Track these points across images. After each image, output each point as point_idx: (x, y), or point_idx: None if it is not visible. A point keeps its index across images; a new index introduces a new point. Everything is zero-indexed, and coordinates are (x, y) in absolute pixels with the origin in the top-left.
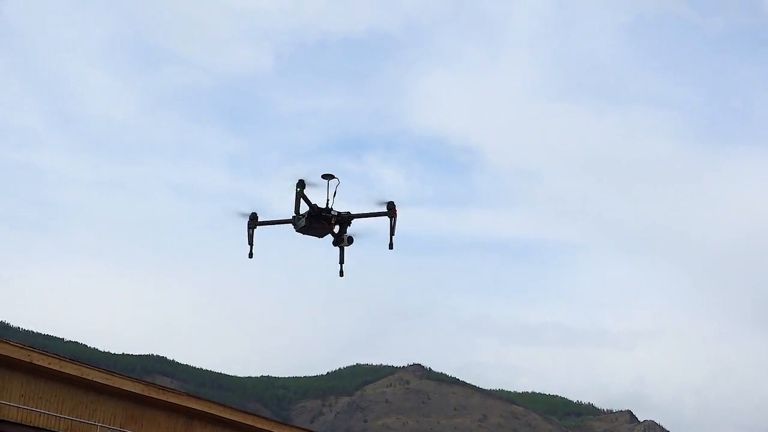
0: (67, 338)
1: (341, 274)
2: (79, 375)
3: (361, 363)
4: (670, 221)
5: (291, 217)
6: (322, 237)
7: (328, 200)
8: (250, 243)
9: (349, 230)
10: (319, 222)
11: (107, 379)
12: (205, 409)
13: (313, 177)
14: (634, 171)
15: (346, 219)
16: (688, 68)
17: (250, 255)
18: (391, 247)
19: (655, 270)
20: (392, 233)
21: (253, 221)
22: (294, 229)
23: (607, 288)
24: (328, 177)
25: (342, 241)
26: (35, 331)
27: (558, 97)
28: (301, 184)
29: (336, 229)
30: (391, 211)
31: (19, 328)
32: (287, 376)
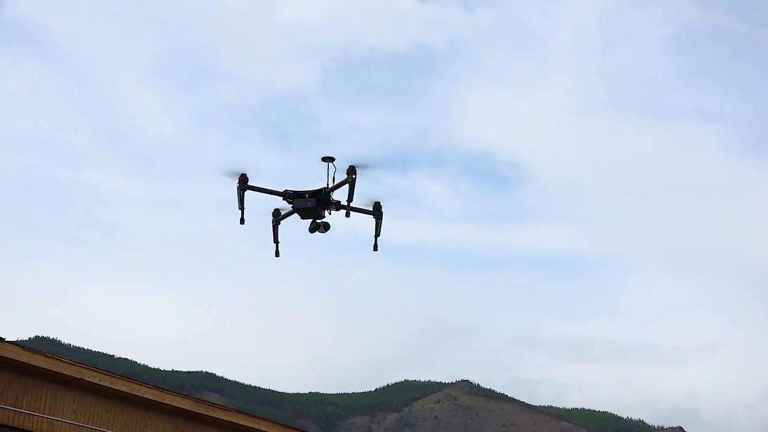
0: (118, 355)
1: (376, 248)
2: (130, 391)
3: (410, 379)
4: (720, 235)
5: (290, 191)
6: (306, 219)
7: (327, 184)
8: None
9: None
10: (323, 206)
11: (157, 395)
12: (255, 426)
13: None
14: (682, 185)
15: (341, 208)
16: (735, 81)
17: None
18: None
19: (706, 285)
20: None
21: (243, 183)
22: (291, 206)
23: (657, 303)
24: (328, 159)
25: (319, 227)
26: (87, 348)
27: (604, 112)
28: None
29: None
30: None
31: (70, 345)
32: (336, 392)
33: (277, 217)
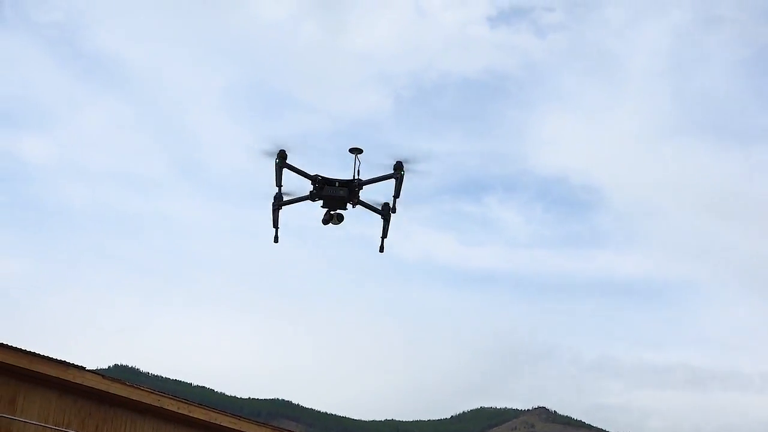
0: (195, 383)
1: (382, 249)
2: (208, 419)
3: (485, 406)
4: None
5: (319, 177)
6: (331, 208)
7: (353, 176)
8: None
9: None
10: (350, 197)
11: (235, 423)
12: None
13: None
14: (759, 207)
15: (361, 203)
16: None
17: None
18: (393, 210)
19: None
20: (397, 195)
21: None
22: (311, 191)
23: (737, 328)
24: (355, 151)
25: (333, 218)
26: (165, 377)
27: (679, 134)
28: (282, 155)
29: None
30: (398, 171)
31: (149, 373)
32: (411, 419)
33: (279, 201)
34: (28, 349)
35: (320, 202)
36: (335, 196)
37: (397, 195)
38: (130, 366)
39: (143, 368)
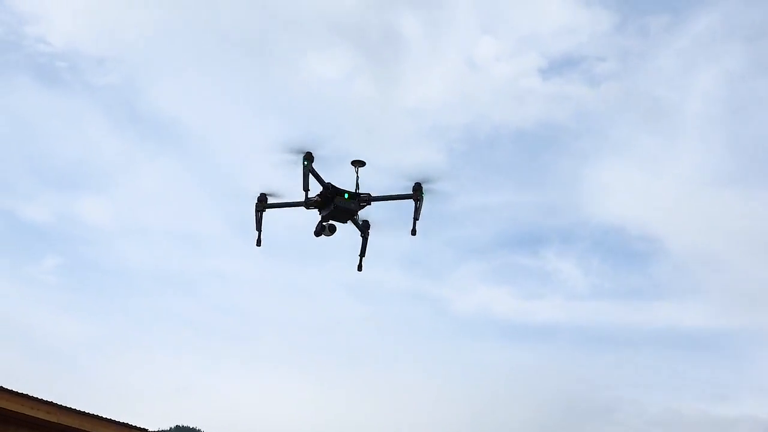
0: None
1: (360, 268)
2: None
3: None
4: None
5: (330, 185)
6: (339, 221)
7: (356, 189)
8: (258, 228)
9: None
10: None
11: None
12: None
13: None
14: None
15: (354, 219)
16: None
17: (258, 242)
18: (413, 233)
19: None
20: (416, 218)
21: (262, 203)
22: (328, 204)
23: None
24: (357, 164)
25: (325, 229)
26: None
27: (735, 181)
28: (309, 157)
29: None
30: (417, 192)
31: None
32: None
33: (264, 204)
34: (91, 412)
35: (311, 208)
36: (347, 208)
37: (417, 218)
38: (191, 426)
39: (204, 428)
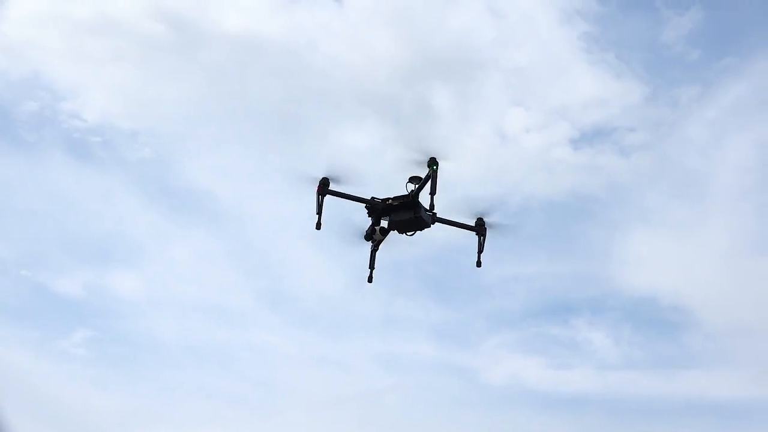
0: None
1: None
2: None
3: None
4: None
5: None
6: (410, 233)
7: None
8: (319, 212)
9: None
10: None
11: None
12: None
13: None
14: None
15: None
16: None
17: (318, 226)
18: (479, 265)
19: None
20: (480, 251)
21: (325, 187)
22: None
23: None
24: (415, 180)
25: (376, 232)
26: None
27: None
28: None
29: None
30: (480, 227)
31: None
32: None
33: (326, 186)
34: None
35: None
36: (420, 218)
37: (481, 250)
38: None
39: None
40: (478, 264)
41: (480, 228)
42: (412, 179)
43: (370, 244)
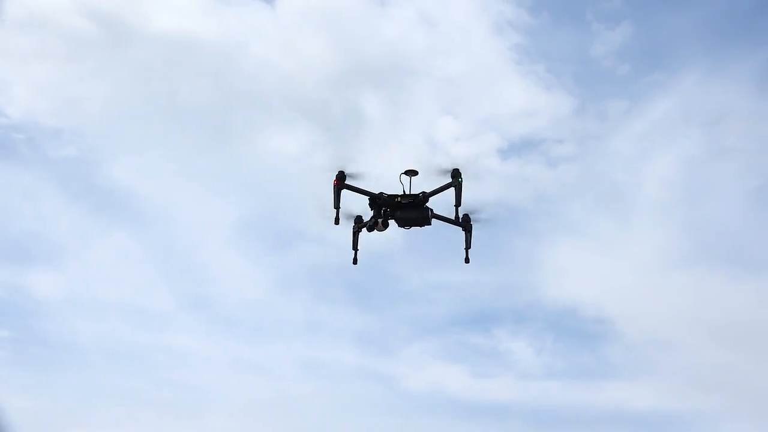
0: None
1: (355, 261)
2: None
3: None
4: None
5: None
6: (419, 226)
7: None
8: (337, 206)
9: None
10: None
11: None
12: None
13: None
14: None
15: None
16: None
17: (337, 221)
18: (467, 261)
19: None
20: (468, 247)
21: (342, 181)
22: (382, 212)
23: None
24: (411, 173)
25: (377, 225)
26: None
27: (689, 265)
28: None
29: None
30: (467, 224)
31: None
32: None
33: (342, 180)
34: None
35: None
36: (421, 216)
37: (468, 246)
38: None
39: None
40: (467, 260)
41: (466, 224)
42: (407, 172)
43: (352, 225)
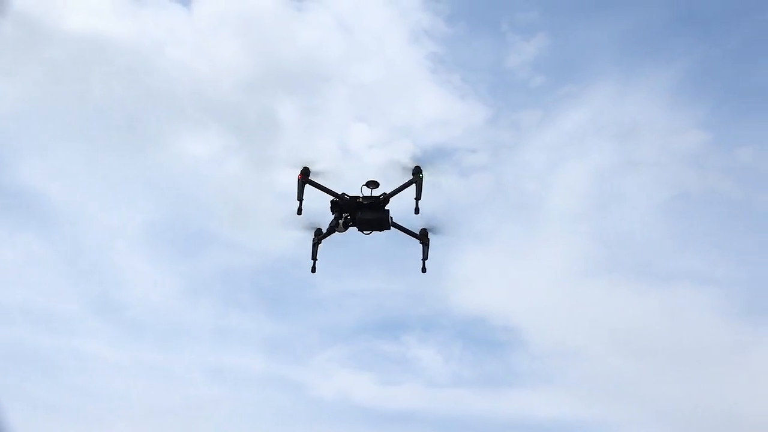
0: None
1: (314, 268)
2: None
3: None
4: (716, 399)
5: (359, 197)
6: (366, 231)
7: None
8: (300, 198)
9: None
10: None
11: None
12: None
13: None
14: (678, 348)
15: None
16: (730, 245)
17: (299, 211)
18: (424, 270)
19: None
20: (425, 258)
21: (305, 176)
22: (340, 213)
23: None
24: (372, 185)
25: (339, 225)
26: None
27: (599, 275)
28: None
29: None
30: (424, 237)
31: None
32: None
33: (306, 176)
34: None
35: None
36: (380, 218)
37: (425, 257)
38: None
39: None
40: (423, 270)
41: (423, 238)
42: (368, 183)
43: (312, 238)
